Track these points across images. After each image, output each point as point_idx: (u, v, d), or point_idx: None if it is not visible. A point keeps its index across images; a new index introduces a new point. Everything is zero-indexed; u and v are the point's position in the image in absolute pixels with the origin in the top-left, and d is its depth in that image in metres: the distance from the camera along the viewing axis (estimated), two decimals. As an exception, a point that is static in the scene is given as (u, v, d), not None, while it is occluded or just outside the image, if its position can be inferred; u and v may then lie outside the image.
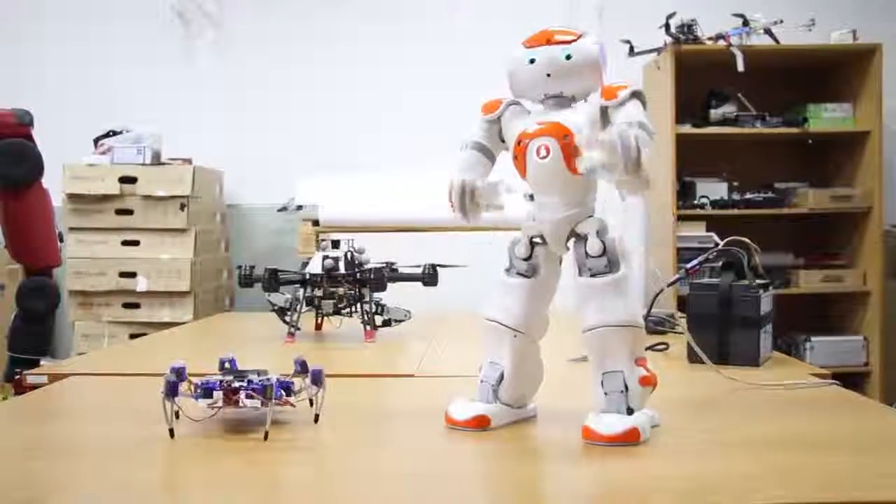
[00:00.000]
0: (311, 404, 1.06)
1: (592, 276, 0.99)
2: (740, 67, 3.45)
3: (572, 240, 1.01)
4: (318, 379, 1.06)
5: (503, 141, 1.07)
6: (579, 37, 1.03)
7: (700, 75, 3.60)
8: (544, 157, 0.99)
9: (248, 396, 1.01)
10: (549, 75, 1.02)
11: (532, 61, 1.02)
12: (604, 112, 0.99)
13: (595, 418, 0.97)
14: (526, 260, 1.04)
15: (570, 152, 0.98)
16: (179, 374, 1.01)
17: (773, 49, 3.56)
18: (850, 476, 0.86)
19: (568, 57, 1.01)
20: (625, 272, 0.99)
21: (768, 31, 3.54)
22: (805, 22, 3.53)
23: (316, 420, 1.06)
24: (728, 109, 3.72)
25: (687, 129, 3.61)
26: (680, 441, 0.99)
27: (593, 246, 0.99)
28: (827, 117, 3.71)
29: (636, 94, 0.97)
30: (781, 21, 3.52)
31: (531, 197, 1.04)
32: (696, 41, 3.57)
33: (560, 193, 1.01)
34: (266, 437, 0.99)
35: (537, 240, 1.04)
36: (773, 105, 3.77)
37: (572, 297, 1.00)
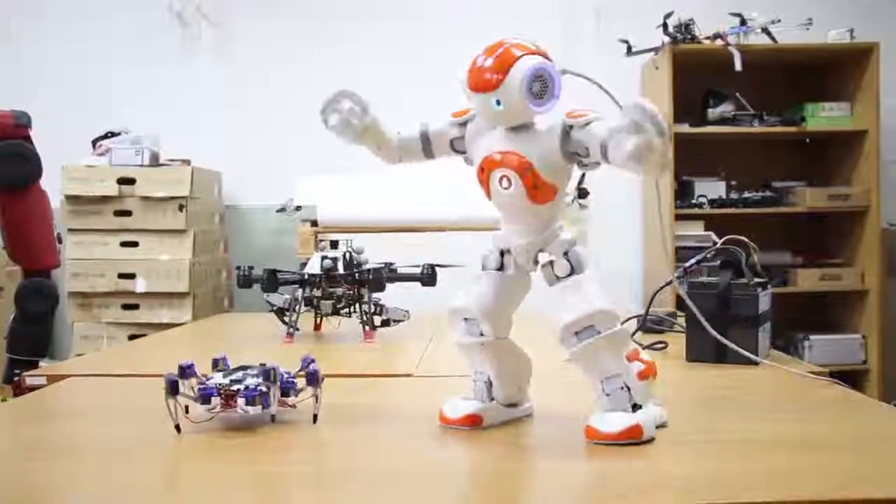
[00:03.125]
0: (317, 400, 1.07)
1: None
2: (738, 67, 3.45)
3: (540, 260, 1.02)
4: (314, 379, 1.06)
5: (455, 150, 1.08)
6: (508, 63, 0.95)
7: (698, 74, 3.60)
8: (507, 188, 0.99)
9: (249, 403, 1.01)
10: (491, 120, 1.01)
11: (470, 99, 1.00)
12: (566, 131, 0.98)
13: (598, 417, 0.98)
14: (497, 269, 1.05)
15: (531, 185, 0.98)
16: (185, 371, 1.01)
17: (771, 48, 3.57)
18: (850, 474, 0.87)
19: (498, 103, 0.96)
20: (588, 273, 0.99)
21: (766, 31, 3.54)
22: (802, 21, 3.53)
23: (314, 420, 1.06)
24: (726, 109, 3.72)
25: (685, 128, 3.61)
26: (679, 439, 0.99)
27: (561, 268, 1.00)
28: (824, 116, 3.71)
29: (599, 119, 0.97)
30: (779, 20, 3.53)
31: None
32: (693, 40, 3.57)
33: (524, 221, 1.02)
34: (273, 419, 1.00)
35: (506, 251, 1.05)
36: (771, 104, 3.77)
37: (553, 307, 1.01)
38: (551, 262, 1.01)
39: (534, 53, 0.97)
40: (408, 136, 1.10)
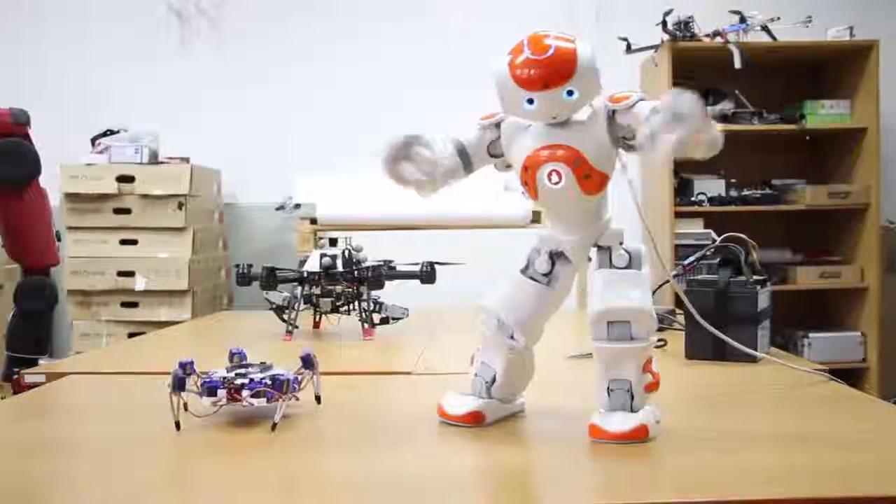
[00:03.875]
0: (318, 400, 1.07)
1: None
2: (737, 64, 3.45)
3: (594, 250, 1.00)
4: (309, 363, 1.07)
5: (492, 155, 1.05)
6: (572, 52, 0.92)
7: (697, 72, 3.60)
8: (557, 183, 0.96)
9: (255, 395, 1.01)
10: (554, 117, 0.96)
11: (531, 101, 0.94)
12: (611, 116, 0.96)
13: (601, 416, 0.97)
14: (546, 275, 1.03)
15: (582, 175, 0.95)
16: (187, 368, 1.02)
17: (771, 46, 3.56)
18: (849, 471, 0.86)
19: (570, 93, 0.93)
20: (647, 272, 0.98)
21: (765, 28, 3.54)
22: (802, 19, 3.53)
23: (318, 400, 1.06)
24: (725, 106, 3.72)
25: (684, 126, 3.60)
26: (678, 436, 0.99)
27: (619, 258, 0.98)
28: (824, 114, 3.71)
29: (643, 99, 0.95)
30: (779, 18, 3.52)
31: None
32: (693, 38, 3.57)
33: (576, 215, 0.99)
34: (274, 428, 1.00)
35: (557, 253, 1.02)
36: (771, 102, 3.77)
37: (591, 285, 0.98)
38: (609, 250, 0.98)
39: (572, 42, 0.94)
40: (448, 163, 1.04)
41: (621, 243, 0.99)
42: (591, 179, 0.96)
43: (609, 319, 0.96)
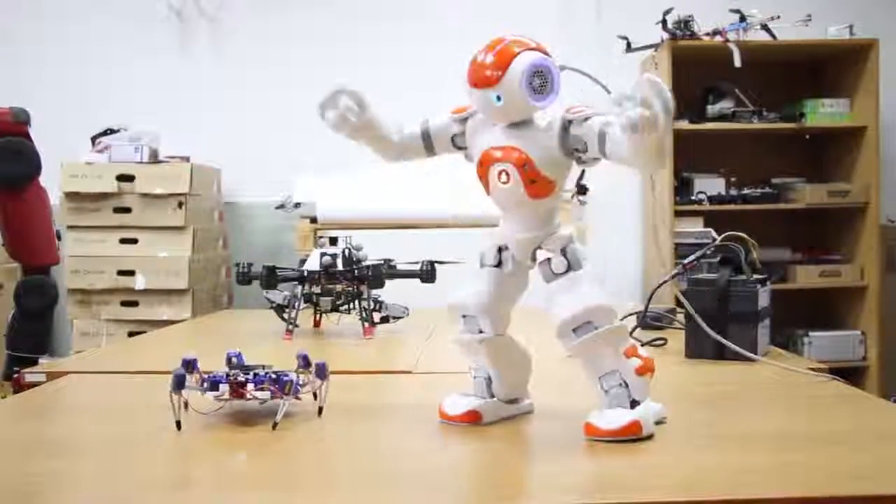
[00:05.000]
0: (315, 398, 1.07)
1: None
2: (737, 63, 3.45)
3: (538, 256, 1.02)
4: (322, 373, 1.07)
5: (457, 147, 1.08)
6: (508, 59, 0.96)
7: (697, 71, 3.60)
8: (505, 183, 1.00)
9: (259, 389, 1.02)
10: (491, 116, 1.01)
11: (470, 94, 1.00)
12: (565, 127, 0.98)
13: (597, 414, 0.98)
14: (496, 266, 1.06)
15: (528, 180, 0.98)
16: (190, 366, 1.02)
17: (770, 44, 3.56)
18: (849, 470, 0.87)
19: (498, 98, 0.97)
20: (585, 270, 1.00)
21: (765, 27, 3.53)
22: (802, 17, 3.52)
23: (320, 413, 1.07)
24: (725, 105, 3.72)
25: (684, 124, 3.60)
26: (678, 435, 0.99)
27: (558, 266, 1.00)
28: (824, 113, 3.71)
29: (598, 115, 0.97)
30: (778, 16, 3.52)
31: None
32: (692, 37, 3.57)
33: (522, 216, 1.02)
34: (275, 427, 1.00)
35: (504, 247, 1.05)
36: (771, 100, 3.77)
37: (545, 302, 1.01)
38: (548, 259, 1.01)
39: (533, 49, 0.97)
40: (408, 134, 1.10)
41: (563, 249, 1.00)
42: (537, 185, 0.99)
43: (572, 327, 0.98)
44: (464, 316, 1.06)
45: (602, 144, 0.95)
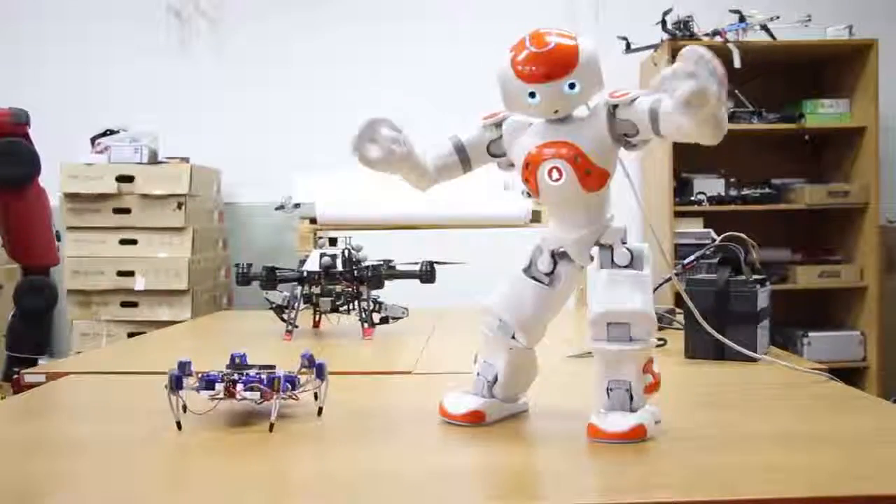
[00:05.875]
0: (316, 398, 1.07)
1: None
2: (737, 63, 3.45)
3: (596, 248, 0.99)
4: (321, 373, 1.07)
5: (493, 154, 1.05)
6: (573, 46, 0.93)
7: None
8: (557, 180, 0.96)
9: (248, 389, 1.01)
10: (556, 111, 0.97)
11: (532, 95, 0.94)
12: (611, 112, 0.96)
13: (600, 416, 0.97)
14: (548, 274, 1.03)
15: (583, 172, 0.95)
16: (185, 368, 1.02)
17: (770, 45, 3.56)
18: (849, 470, 0.87)
19: (572, 86, 0.93)
20: (648, 273, 0.98)
21: (765, 27, 3.54)
22: (801, 18, 3.53)
23: (319, 413, 1.07)
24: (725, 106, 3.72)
25: (684, 125, 3.60)
26: (678, 436, 0.99)
27: (621, 256, 0.97)
28: (823, 113, 3.71)
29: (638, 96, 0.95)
30: (778, 17, 3.53)
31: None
32: (692, 37, 3.57)
33: (578, 212, 0.99)
34: (271, 429, 1.00)
35: (559, 253, 1.02)
36: (770, 101, 3.77)
37: (591, 284, 0.98)
38: (611, 248, 0.98)
39: (574, 38, 0.95)
40: (442, 153, 1.05)
41: (623, 241, 0.98)
42: (592, 176, 0.96)
43: (609, 321, 0.96)
44: (501, 320, 1.04)
45: (655, 123, 0.92)
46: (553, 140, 0.97)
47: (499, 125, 1.03)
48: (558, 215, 1.01)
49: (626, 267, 0.97)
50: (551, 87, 0.93)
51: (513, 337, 1.04)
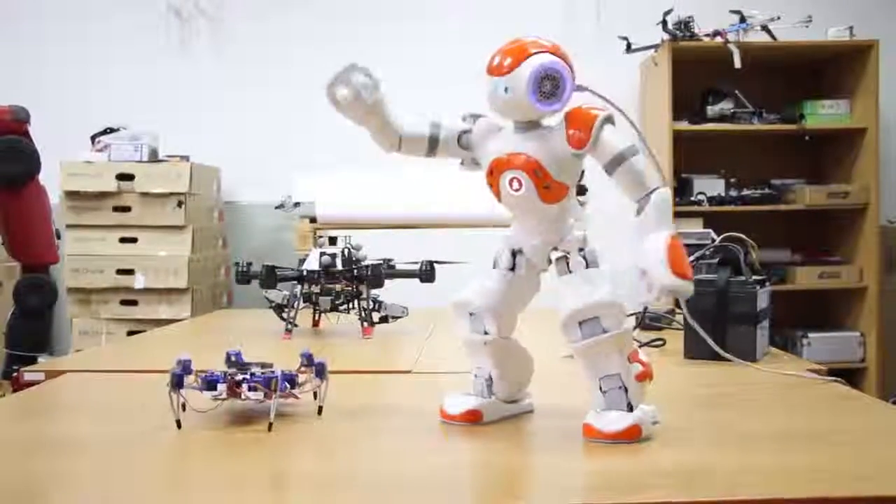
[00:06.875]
0: (315, 397, 1.07)
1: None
2: (737, 64, 3.45)
3: (554, 255, 1.01)
4: (321, 372, 1.07)
5: (461, 146, 1.06)
6: (526, 56, 0.96)
7: (697, 72, 3.60)
8: (517, 190, 0.98)
9: (251, 389, 1.02)
10: (499, 106, 0.99)
11: (507, 90, 0.97)
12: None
13: (596, 416, 0.97)
14: (510, 269, 1.05)
15: (542, 186, 0.97)
16: (185, 366, 1.02)
17: (770, 46, 3.56)
18: (848, 471, 0.87)
19: (506, 90, 0.96)
20: (601, 268, 0.99)
21: (765, 28, 3.53)
22: (802, 18, 3.52)
23: (319, 412, 1.07)
24: (725, 106, 3.72)
25: (684, 125, 3.60)
26: (676, 436, 0.99)
27: (576, 264, 0.99)
28: (824, 114, 3.71)
29: (603, 124, 0.96)
30: (778, 17, 3.52)
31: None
32: (693, 38, 3.57)
33: (536, 221, 1.01)
34: (270, 428, 1.00)
35: (519, 251, 1.04)
36: (771, 102, 3.77)
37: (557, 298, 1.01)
38: (566, 257, 1.00)
39: (552, 53, 0.96)
40: (416, 124, 1.07)
41: (581, 249, 1.00)
42: (551, 190, 0.98)
43: (579, 320, 0.97)
44: (470, 314, 1.05)
45: (613, 167, 0.95)
46: (516, 151, 0.99)
47: (475, 119, 1.05)
48: (519, 219, 1.04)
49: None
50: (492, 83, 0.97)
51: (485, 332, 1.04)
